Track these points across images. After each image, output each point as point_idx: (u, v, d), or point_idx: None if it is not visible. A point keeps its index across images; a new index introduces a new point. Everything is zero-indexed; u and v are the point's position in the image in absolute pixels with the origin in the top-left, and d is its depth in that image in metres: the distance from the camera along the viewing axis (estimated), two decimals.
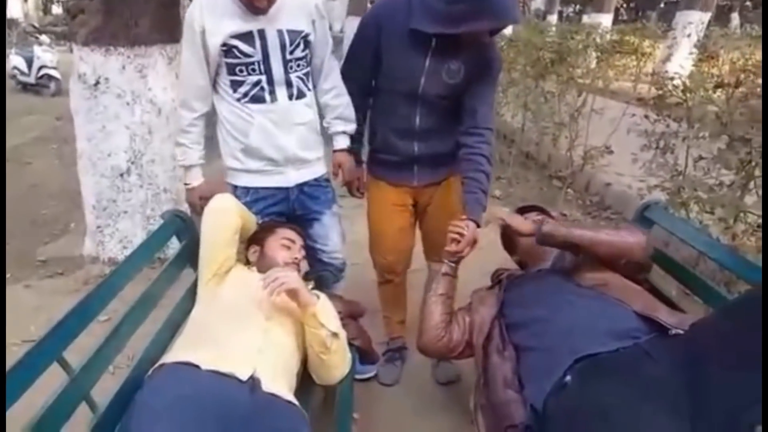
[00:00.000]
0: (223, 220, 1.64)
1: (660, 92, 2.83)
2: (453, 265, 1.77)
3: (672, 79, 2.84)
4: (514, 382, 1.49)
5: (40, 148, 6.07)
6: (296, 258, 1.73)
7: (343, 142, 2.00)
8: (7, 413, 0.98)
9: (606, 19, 12.61)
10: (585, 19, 13.82)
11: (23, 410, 1.03)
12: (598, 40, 4.72)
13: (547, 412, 1.28)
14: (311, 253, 1.99)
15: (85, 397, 1.20)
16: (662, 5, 26.58)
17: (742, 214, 2.39)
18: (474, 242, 1.70)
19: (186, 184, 1.92)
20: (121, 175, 3.09)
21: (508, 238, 1.91)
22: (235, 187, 1.92)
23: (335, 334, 1.49)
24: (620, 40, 4.78)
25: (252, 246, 1.77)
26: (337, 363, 1.53)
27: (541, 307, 1.54)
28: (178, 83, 1.85)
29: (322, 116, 1.97)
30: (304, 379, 1.57)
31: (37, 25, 12.44)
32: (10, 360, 1.03)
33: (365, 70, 1.88)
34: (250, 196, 1.89)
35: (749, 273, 1.46)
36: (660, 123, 2.83)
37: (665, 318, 1.36)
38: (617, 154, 3.83)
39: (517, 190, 4.72)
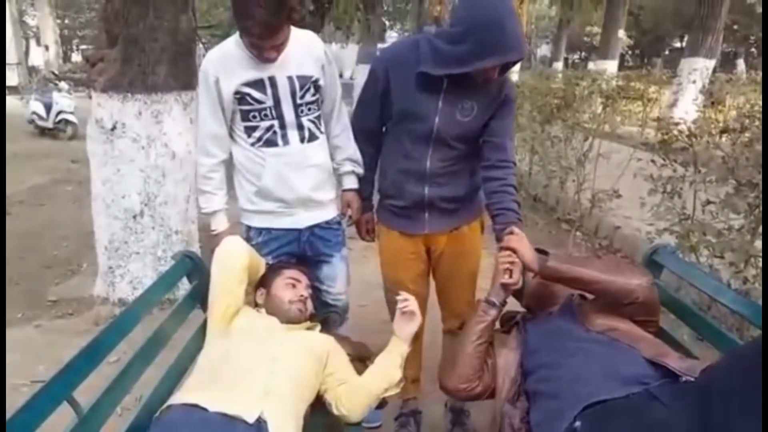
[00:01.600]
0: (232, 263, 1.67)
1: (665, 137, 2.87)
2: (497, 304, 1.66)
3: (677, 124, 2.89)
4: (522, 429, 1.47)
5: (56, 190, 6.21)
6: (302, 296, 1.73)
7: (352, 183, 2.05)
8: None
9: (611, 66, 12.87)
10: (590, 65, 14.14)
11: None
12: (603, 86, 4.80)
13: None
14: (315, 293, 2.00)
15: None
16: (667, 52, 27.13)
17: (752, 259, 2.38)
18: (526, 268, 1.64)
19: (212, 230, 1.94)
20: (134, 216, 3.15)
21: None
22: (249, 228, 1.96)
23: (400, 383, 1.59)
24: (626, 86, 4.86)
25: (259, 288, 1.79)
26: (375, 401, 1.58)
27: (550, 353, 1.52)
28: (197, 132, 1.93)
29: (332, 158, 2.02)
30: (310, 423, 1.55)
31: (56, 72, 12.89)
32: (20, 400, 1.03)
33: (375, 115, 1.91)
34: (262, 237, 1.93)
35: (760, 318, 1.44)
36: (666, 167, 2.85)
37: (675, 364, 1.34)
38: (625, 198, 3.84)
39: (525, 232, 4.63)
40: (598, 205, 4.24)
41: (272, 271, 1.82)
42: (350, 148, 2.01)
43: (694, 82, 8.85)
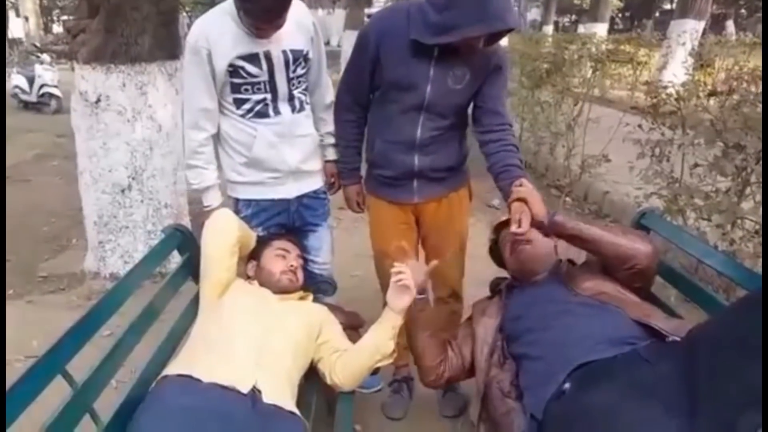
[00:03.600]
0: (222, 237, 1.66)
1: (654, 101, 2.86)
2: (422, 298, 1.71)
3: (666, 87, 2.88)
4: (512, 393, 1.50)
5: (41, 165, 6.10)
6: (292, 266, 1.74)
7: (335, 153, 2.07)
8: (11, 428, 0.99)
9: (601, 29, 12.73)
10: (580, 29, 13.96)
11: (27, 424, 1.04)
12: (593, 49, 4.76)
13: (547, 419, 1.29)
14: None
15: (88, 410, 1.21)
16: (657, 14, 26.82)
17: (739, 221, 2.41)
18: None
19: (205, 206, 1.91)
20: (123, 190, 3.11)
21: (497, 251, 1.90)
22: (237, 200, 1.95)
23: (392, 354, 1.58)
24: (615, 49, 4.83)
25: (250, 261, 1.79)
26: (368, 372, 1.59)
27: (538, 317, 1.54)
28: (185, 106, 1.88)
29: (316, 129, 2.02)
30: (305, 391, 1.58)
31: (38, 44, 12.54)
32: (14, 375, 1.04)
33: (364, 84, 1.88)
34: (252, 209, 1.93)
35: (747, 279, 1.47)
36: (655, 131, 2.86)
37: (662, 324, 1.37)
38: (614, 163, 3.85)
39: None
40: (587, 171, 4.26)
41: (262, 243, 1.82)
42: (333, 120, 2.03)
43: (683, 44, 8.76)
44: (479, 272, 2.06)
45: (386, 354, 1.56)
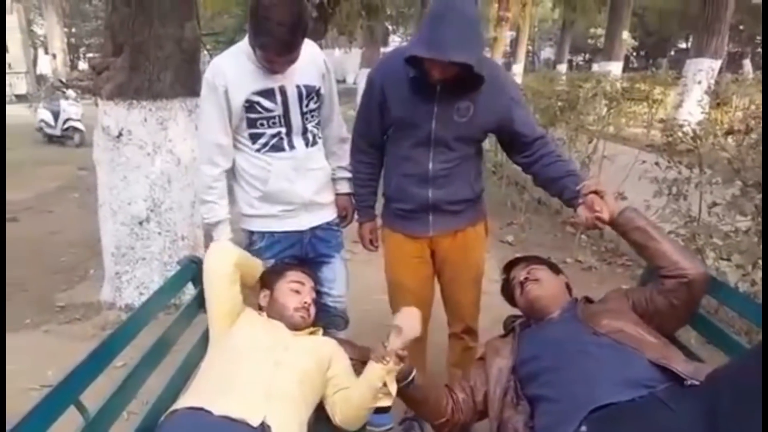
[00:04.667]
0: (219, 265, 1.68)
1: (670, 139, 2.86)
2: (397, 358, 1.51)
3: (682, 126, 2.88)
4: None
5: (63, 196, 6.26)
6: (305, 303, 1.73)
7: (346, 187, 2.10)
8: None
9: (616, 67, 12.83)
10: (595, 67, 14.10)
11: None
12: (607, 87, 4.78)
13: None
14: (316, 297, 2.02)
15: None
16: (673, 53, 27.03)
17: (760, 261, 2.36)
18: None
19: (215, 240, 1.94)
20: (141, 222, 3.17)
21: (509, 289, 1.88)
22: (251, 232, 1.98)
23: (389, 395, 1.50)
24: (630, 87, 4.83)
25: (263, 290, 1.79)
26: (366, 413, 1.54)
27: (554, 357, 1.51)
28: (200, 142, 1.95)
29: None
30: (314, 428, 1.55)
31: (64, 80, 12.99)
32: (28, 404, 1.05)
33: (376, 126, 1.93)
34: (266, 241, 1.95)
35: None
36: (672, 169, 2.85)
37: (680, 367, 1.33)
38: (630, 201, 3.79)
39: (529, 235, 4.70)
40: None
41: (276, 272, 1.81)
42: (346, 157, 2.08)
43: (699, 82, 8.81)
44: (495, 308, 2.04)
45: (375, 391, 1.47)
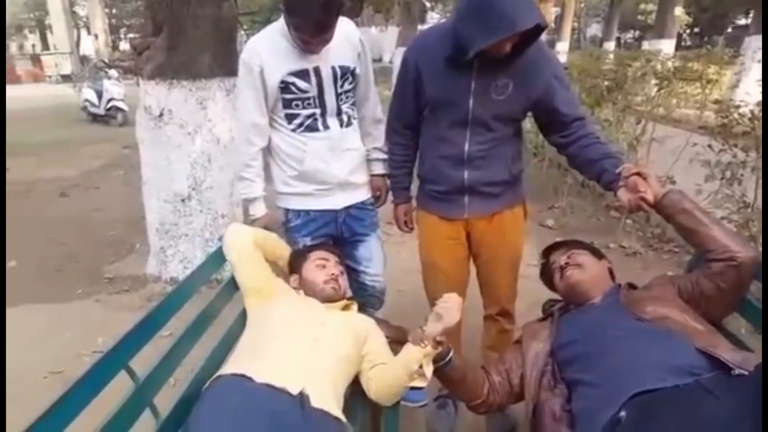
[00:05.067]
0: (235, 246, 1.75)
1: (725, 121, 2.73)
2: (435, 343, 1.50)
3: (738, 107, 2.74)
4: (563, 418, 1.45)
5: (108, 174, 6.49)
6: (333, 274, 1.77)
7: (381, 168, 2.10)
8: (76, 419, 1.05)
9: (667, 45, 12.26)
10: (645, 45, 13.51)
11: (89, 417, 1.10)
12: (658, 66, 4.57)
13: None
14: (353, 276, 2.05)
15: (148, 405, 1.27)
16: (730, 30, 25.64)
17: None
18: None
19: (251, 215, 2.00)
20: (183, 200, 3.26)
21: (548, 273, 1.84)
22: (287, 210, 2.01)
23: (424, 377, 1.49)
24: (683, 66, 4.60)
25: (292, 275, 1.84)
26: (401, 390, 1.55)
27: (595, 341, 1.48)
28: (237, 122, 1.99)
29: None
30: (351, 403, 1.58)
31: (106, 60, 13.35)
32: (81, 369, 1.11)
33: (411, 106, 1.89)
34: (301, 219, 1.99)
35: None
36: (726, 152, 2.72)
37: (728, 356, 1.28)
38: (680, 185, 3.67)
39: (571, 220, 4.60)
40: None
41: (299, 255, 1.86)
42: (381, 138, 2.07)
43: (759, 61, 8.33)
44: (533, 293, 2.01)
45: (411, 372, 1.48)
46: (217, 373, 1.41)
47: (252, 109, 1.85)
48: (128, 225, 4.40)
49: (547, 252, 1.86)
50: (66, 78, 18.36)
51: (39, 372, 2.40)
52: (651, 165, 4.15)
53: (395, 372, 1.52)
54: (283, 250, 1.92)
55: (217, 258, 1.81)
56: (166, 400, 1.34)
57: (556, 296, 1.86)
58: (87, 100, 10.43)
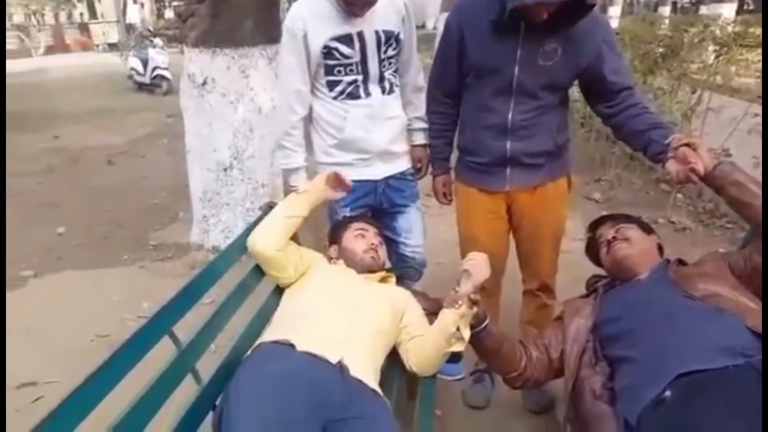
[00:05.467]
0: (263, 261, 1.70)
1: None
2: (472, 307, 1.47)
3: None
4: (604, 396, 1.42)
5: (153, 142, 6.62)
6: (372, 244, 1.77)
7: (422, 138, 2.06)
8: (121, 382, 1.08)
9: (728, 10, 11.48)
10: (703, 9, 12.72)
11: (135, 380, 1.13)
12: (717, 32, 4.31)
13: (643, 428, 1.20)
14: (393, 247, 2.04)
15: (191, 370, 1.30)
16: None
17: None
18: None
19: (291, 186, 1.98)
20: (225, 169, 3.30)
21: (594, 248, 1.78)
22: None
23: (462, 340, 1.48)
24: (744, 32, 4.32)
25: (332, 245, 1.84)
26: (440, 359, 1.54)
27: (641, 318, 1.43)
28: (278, 88, 1.97)
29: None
30: (387, 374, 1.59)
31: (151, 29, 13.49)
32: (126, 333, 1.14)
33: (454, 72, 1.83)
34: None
35: None
36: None
37: None
38: (736, 157, 3.48)
39: (618, 193, 4.45)
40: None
41: (339, 227, 1.87)
42: (422, 107, 2.02)
43: None
44: (576, 268, 1.95)
45: (449, 336, 1.45)
46: (259, 340, 1.44)
47: (295, 76, 1.83)
48: (172, 193, 4.50)
49: (594, 226, 1.80)
50: (113, 47, 18.77)
51: (86, 335, 2.49)
52: (705, 137, 3.95)
53: (433, 339, 1.51)
54: (301, 204, 1.80)
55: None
56: (208, 365, 1.37)
57: (601, 272, 1.81)
58: (133, 69, 10.61)
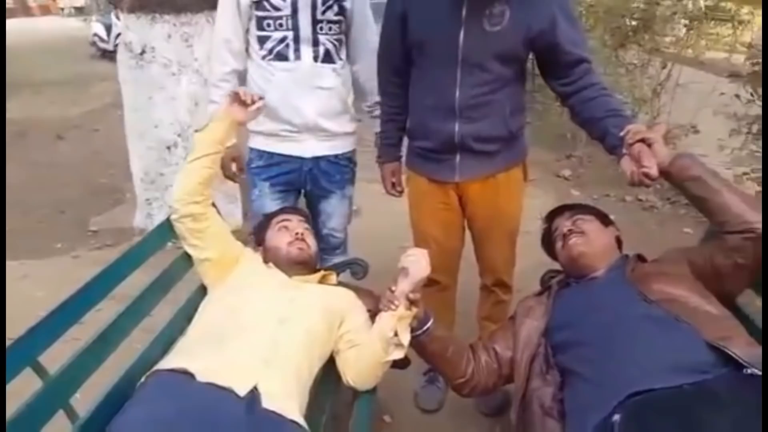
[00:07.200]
0: (178, 198, 1.57)
1: (755, 68, 2.44)
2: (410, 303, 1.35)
3: None
4: (554, 409, 1.31)
5: (110, 114, 6.23)
6: (297, 233, 1.60)
7: None
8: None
9: None
10: None
11: None
12: (689, 5, 4.27)
13: None
14: (313, 226, 1.90)
15: (63, 405, 1.12)
16: None
17: None
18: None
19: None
20: (168, 147, 3.09)
21: (550, 241, 1.67)
22: (251, 149, 1.89)
23: (401, 346, 1.33)
24: (715, 6, 4.32)
25: (258, 248, 1.67)
26: (380, 369, 1.40)
27: (591, 328, 1.32)
28: (212, 41, 1.87)
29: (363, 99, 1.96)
30: (318, 394, 1.43)
31: None
32: None
33: (397, 45, 1.67)
34: (263, 161, 1.86)
35: None
36: (754, 104, 2.45)
37: (741, 352, 1.12)
38: (703, 135, 3.42)
39: (588, 171, 4.39)
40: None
41: (261, 227, 1.70)
42: (375, 91, 1.90)
43: None
44: (540, 252, 1.79)
45: (387, 342, 1.32)
46: (158, 365, 1.24)
47: (225, 26, 1.76)
48: (122, 171, 4.18)
49: (551, 216, 1.68)
50: (79, 11, 17.86)
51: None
52: (673, 114, 3.88)
53: (371, 346, 1.37)
54: (211, 144, 1.59)
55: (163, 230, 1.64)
56: (91, 395, 1.20)
57: (555, 269, 1.70)
58: (96, 35, 10.13)
